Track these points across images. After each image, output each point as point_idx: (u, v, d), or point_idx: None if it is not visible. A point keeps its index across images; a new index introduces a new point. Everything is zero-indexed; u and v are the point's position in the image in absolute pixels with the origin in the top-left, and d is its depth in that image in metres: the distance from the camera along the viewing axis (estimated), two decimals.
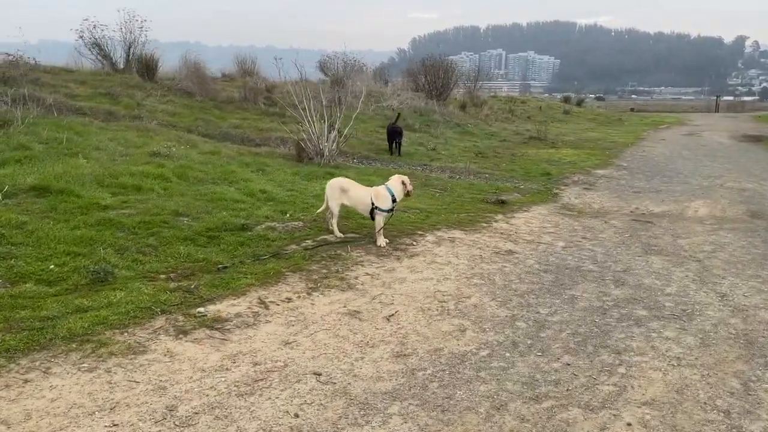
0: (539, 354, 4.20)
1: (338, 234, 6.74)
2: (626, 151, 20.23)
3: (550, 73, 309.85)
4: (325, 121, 12.35)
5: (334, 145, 12.38)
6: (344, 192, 6.65)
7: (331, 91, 25.74)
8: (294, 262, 5.72)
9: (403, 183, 6.70)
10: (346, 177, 10.98)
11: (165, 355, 3.69)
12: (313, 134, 12.22)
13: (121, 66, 21.49)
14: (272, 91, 23.02)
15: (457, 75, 32.68)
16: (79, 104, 14.04)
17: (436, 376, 3.75)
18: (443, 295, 5.27)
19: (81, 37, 21.35)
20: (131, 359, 3.61)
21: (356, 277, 5.51)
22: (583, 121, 37.44)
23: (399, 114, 15.99)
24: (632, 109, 68.54)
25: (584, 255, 7.04)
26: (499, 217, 9.03)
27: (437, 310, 4.92)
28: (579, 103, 50.93)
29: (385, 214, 6.52)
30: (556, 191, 12.13)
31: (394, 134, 15.20)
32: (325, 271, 5.60)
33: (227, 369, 3.62)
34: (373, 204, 6.50)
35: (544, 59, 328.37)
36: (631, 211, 10.46)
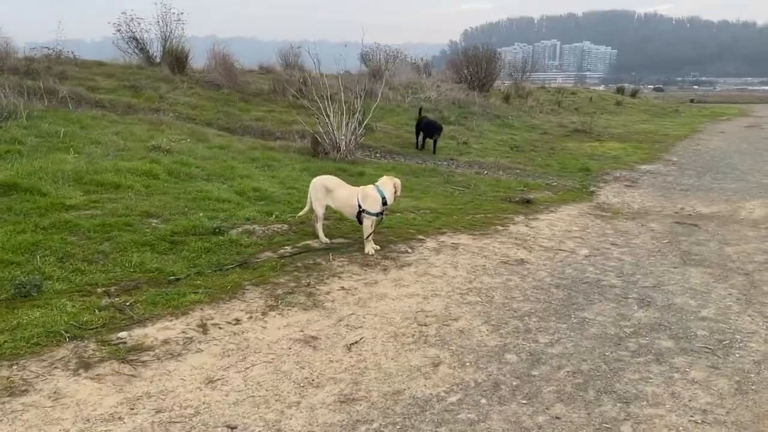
0: (524, 401, 3.36)
1: (323, 239, 6.00)
2: (678, 145, 18.77)
3: (607, 64, 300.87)
4: (343, 114, 11.60)
5: (353, 138, 11.62)
6: (329, 192, 5.90)
7: (368, 83, 25.08)
8: (261, 273, 5.00)
9: (394, 186, 5.88)
10: (363, 172, 10.28)
11: (49, 398, 3.02)
12: (330, 127, 11.49)
13: (158, 60, 21.29)
14: (307, 83, 22.50)
15: (501, 65, 31.38)
16: (99, 97, 13.73)
17: None
18: (426, 317, 4.46)
19: (119, 30, 21.25)
20: (3, 403, 2.96)
21: (328, 293, 4.76)
22: (636, 112, 35.59)
23: (421, 108, 15.01)
24: (692, 100, 65.39)
25: (609, 266, 6.08)
26: (520, 218, 8.11)
27: (413, 336, 4.12)
28: (634, 94, 48.70)
29: (374, 218, 5.73)
30: (593, 189, 11.08)
31: (429, 129, 14.16)
32: (293, 284, 4.87)
33: (119, 418, 2.92)
34: (360, 207, 5.71)
35: (600, 49, 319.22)
36: (675, 212, 9.37)
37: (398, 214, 7.47)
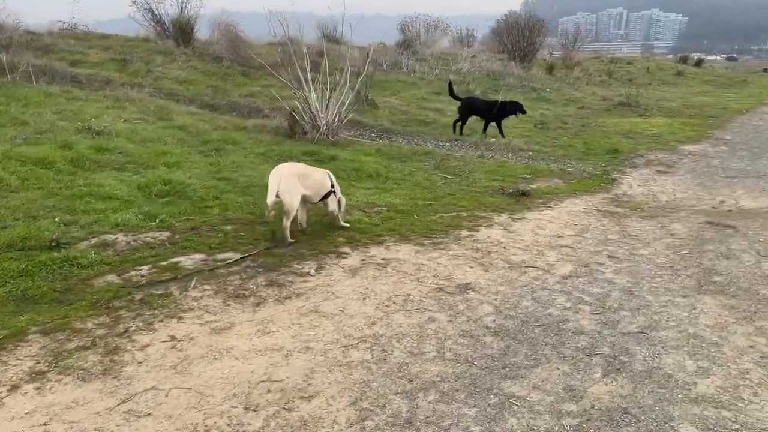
0: None
1: (289, 240, 5.08)
2: (736, 120, 16.39)
3: (676, 33, 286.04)
4: (329, 89, 10.09)
5: (336, 116, 10.11)
6: (305, 179, 5.16)
7: (395, 55, 23.35)
8: (68, 312, 3.63)
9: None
10: (336, 156, 8.79)
11: None
12: (308, 104, 10.01)
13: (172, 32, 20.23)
14: (323, 55, 21.01)
15: (545, 34, 28.99)
16: (76, 71, 12.67)
17: None
18: (268, 392, 3.00)
19: (134, 2, 20.29)
20: None
21: (144, 347, 3.34)
22: (698, 83, 32.52)
23: (450, 83, 13.18)
24: (765, 70, 60.38)
25: (590, 294, 4.45)
26: (502, 218, 6.48)
27: None
28: (698, 64, 44.97)
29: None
30: (616, 176, 9.26)
31: (474, 110, 12.23)
32: (103, 331, 3.46)
33: None
34: (332, 186, 5.40)
35: (669, 17, 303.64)
36: (712, 207, 7.54)
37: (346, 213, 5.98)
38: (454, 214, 6.52)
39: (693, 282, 4.81)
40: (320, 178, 5.37)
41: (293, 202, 4.97)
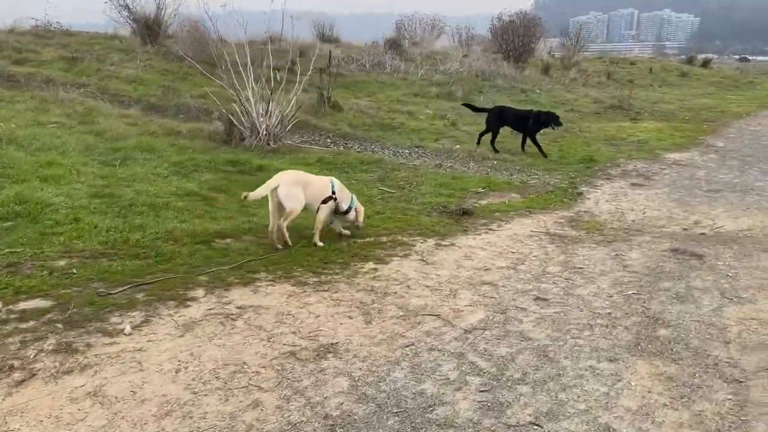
0: None
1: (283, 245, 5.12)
2: (734, 125, 15.28)
3: (688, 33, 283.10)
4: (272, 90, 9.15)
5: (278, 121, 9.15)
6: (307, 186, 5.19)
7: (381, 54, 22.37)
8: None
9: None
10: (263, 166, 7.84)
11: None
12: (244, 106, 9.06)
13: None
14: (305, 54, 20.09)
15: (540, 33, 27.90)
16: (15, 70, 11.81)
17: None
18: None
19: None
20: None
21: None
22: (703, 85, 31.31)
23: (470, 104, 11.86)
24: None
25: (489, 357, 3.48)
26: (427, 244, 5.50)
27: None
28: (705, 64, 43.63)
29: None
30: (583, 189, 8.25)
31: (505, 119, 10.69)
32: None
33: None
34: (333, 194, 5.28)
35: (681, 18, 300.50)
36: (684, 229, 6.54)
37: (212, 241, 5.03)
38: (371, 239, 5.54)
39: (630, 337, 3.81)
40: (320, 185, 5.28)
41: (295, 208, 5.03)
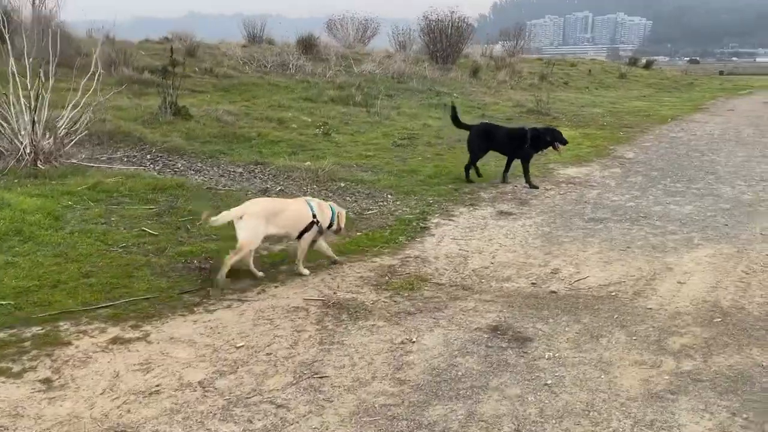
0: None
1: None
2: (654, 131, 13.82)
3: (641, 36, 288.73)
4: (34, 96, 7.13)
5: (49, 138, 7.13)
6: (276, 216, 4.64)
7: (285, 55, 20.36)
8: None
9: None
10: None
11: None
12: (8, 117, 7.02)
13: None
14: (195, 55, 18.06)
15: (469, 34, 26.41)
16: None
17: None
18: None
19: None
20: None
21: None
22: (641, 86, 30.28)
23: (454, 107, 9.07)
24: (721, 72, 59.23)
25: None
26: (95, 341, 3.58)
27: None
28: (647, 66, 42.99)
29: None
30: (433, 221, 6.48)
31: (491, 141, 8.38)
32: None
33: None
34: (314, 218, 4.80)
35: (634, 21, 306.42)
36: (533, 284, 4.88)
37: None
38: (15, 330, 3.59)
39: None
40: (296, 211, 4.83)
41: (250, 243, 4.53)
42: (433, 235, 6.07)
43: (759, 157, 10.29)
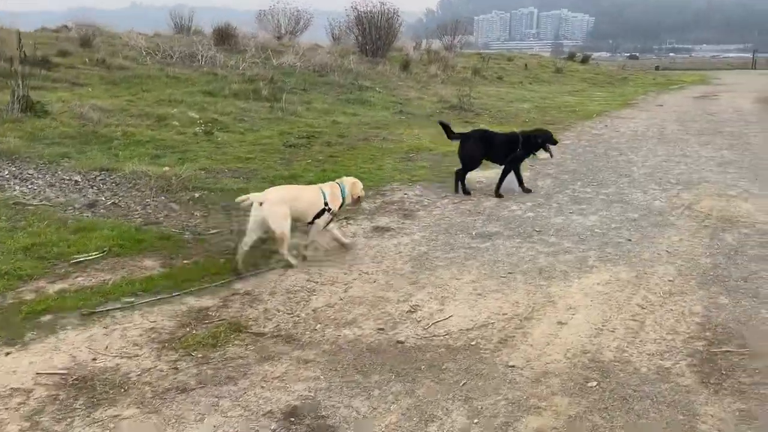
0: None
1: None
2: (577, 127, 13.08)
3: (585, 32, 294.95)
4: None
5: None
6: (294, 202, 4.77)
7: (195, 45, 18.86)
8: None
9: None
10: None
11: None
12: None
13: None
14: (91, 44, 16.42)
15: (399, 26, 25.36)
16: None
17: None
18: None
19: None
20: None
21: None
22: (576, 81, 29.91)
23: (445, 124, 7.64)
24: (657, 67, 59.98)
25: None
26: None
27: None
28: (584, 61, 43.03)
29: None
30: (293, 241, 5.30)
31: (488, 149, 7.37)
32: None
33: None
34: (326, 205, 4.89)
35: (578, 17, 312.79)
36: (381, 329, 3.85)
37: None
38: None
39: None
40: (310, 198, 4.89)
41: (284, 230, 4.64)
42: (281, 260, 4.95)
43: (678, 156, 9.56)
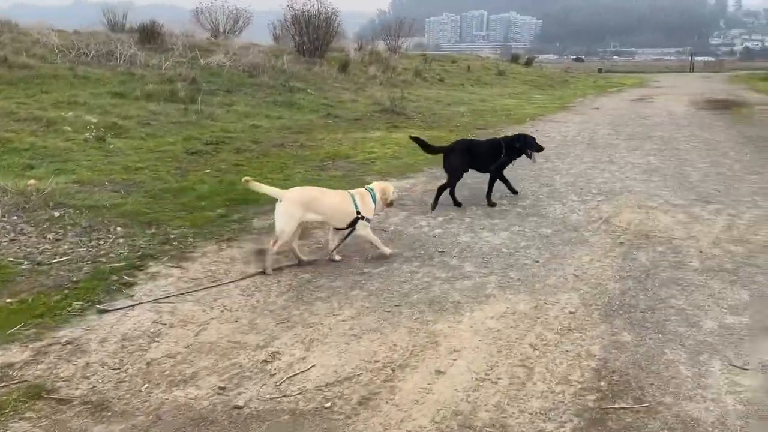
0: None
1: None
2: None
3: (533, 34, 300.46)
4: None
5: None
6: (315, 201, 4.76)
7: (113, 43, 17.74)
8: None
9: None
10: None
11: None
12: None
13: None
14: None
15: (337, 27, 24.67)
16: None
17: None
18: None
19: None
20: None
21: None
22: (517, 83, 29.83)
23: (419, 139, 6.87)
24: (600, 70, 61.08)
25: None
26: None
27: None
28: (528, 63, 43.27)
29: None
30: (153, 270, 4.73)
31: (474, 159, 6.85)
32: None
33: None
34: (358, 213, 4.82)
35: (526, 20, 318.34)
36: (220, 388, 3.13)
37: None
38: None
39: None
40: (336, 202, 4.84)
41: (284, 229, 4.63)
42: (132, 296, 4.23)
43: (605, 163, 9.19)
